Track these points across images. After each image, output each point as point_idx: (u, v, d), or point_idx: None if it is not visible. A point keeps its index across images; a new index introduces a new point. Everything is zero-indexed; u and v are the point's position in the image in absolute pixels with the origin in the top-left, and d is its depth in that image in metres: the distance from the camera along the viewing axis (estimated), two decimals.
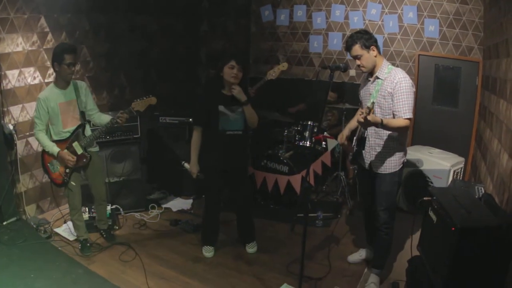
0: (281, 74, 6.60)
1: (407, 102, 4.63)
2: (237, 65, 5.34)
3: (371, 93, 4.89)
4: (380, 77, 4.82)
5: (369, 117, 4.24)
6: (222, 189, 6.00)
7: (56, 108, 5.49)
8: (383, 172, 5.03)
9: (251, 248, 6.17)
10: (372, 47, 4.75)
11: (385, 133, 4.90)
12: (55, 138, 5.63)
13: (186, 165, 5.83)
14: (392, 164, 5.00)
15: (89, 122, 5.90)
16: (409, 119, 4.62)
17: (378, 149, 5.01)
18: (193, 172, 5.75)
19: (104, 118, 5.79)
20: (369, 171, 5.17)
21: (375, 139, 5.02)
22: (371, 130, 5.01)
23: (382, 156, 5.00)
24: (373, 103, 4.35)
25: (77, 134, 5.64)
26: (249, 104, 5.49)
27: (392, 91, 4.67)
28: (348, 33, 8.85)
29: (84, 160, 5.70)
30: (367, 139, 5.09)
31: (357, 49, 4.73)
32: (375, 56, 4.80)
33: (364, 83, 5.20)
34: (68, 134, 5.63)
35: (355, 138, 5.30)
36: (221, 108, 5.49)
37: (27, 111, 6.70)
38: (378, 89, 4.82)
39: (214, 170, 5.74)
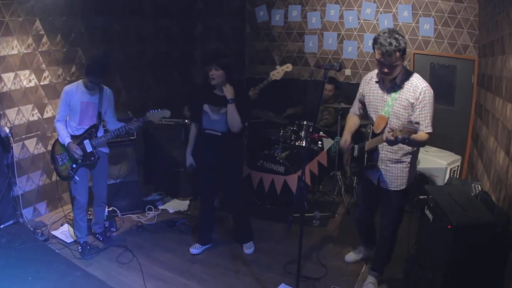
0: (285, 75, 6.58)
1: (430, 114, 4.37)
2: (211, 67, 5.44)
3: (385, 101, 4.61)
4: (400, 84, 4.48)
5: (400, 135, 3.94)
6: (213, 188, 6.04)
7: (77, 105, 5.67)
8: (394, 189, 4.78)
9: (248, 249, 6.18)
10: (404, 56, 4.39)
11: (400, 146, 4.57)
12: (70, 132, 5.75)
13: None
14: (404, 181, 4.75)
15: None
16: (430, 133, 4.37)
17: (390, 164, 4.74)
18: (187, 164, 6.02)
19: (120, 125, 5.91)
20: (377, 187, 4.91)
21: (386, 153, 4.72)
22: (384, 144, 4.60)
23: (393, 171, 4.73)
24: (417, 124, 3.87)
25: (90, 132, 5.75)
26: (233, 103, 5.47)
27: (415, 102, 4.37)
28: (343, 32, 8.88)
29: (92, 159, 5.78)
30: (379, 152, 4.76)
31: (398, 57, 4.29)
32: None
33: (371, 85, 4.80)
34: (81, 131, 5.75)
35: (356, 146, 5.06)
36: (205, 107, 5.63)
37: (23, 114, 6.69)
38: (396, 97, 4.50)
39: (200, 167, 5.93)
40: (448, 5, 7.77)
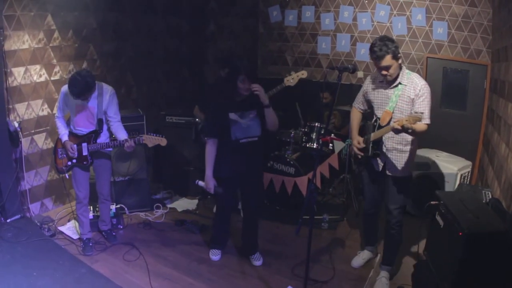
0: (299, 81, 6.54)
1: (428, 108, 4.71)
2: (248, 79, 5.13)
3: (389, 98, 4.94)
4: (402, 83, 4.84)
5: (406, 124, 4.30)
6: (236, 194, 5.93)
7: (72, 106, 5.62)
8: (400, 175, 5.06)
9: (257, 260, 5.92)
10: (399, 55, 4.76)
11: (403, 137, 4.94)
12: (72, 130, 5.75)
13: (201, 183, 5.66)
14: (408, 166, 5.04)
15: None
16: (428, 124, 4.68)
17: (395, 152, 5.03)
18: (209, 188, 5.46)
19: (120, 134, 5.77)
20: (381, 173, 5.19)
21: (392, 143, 5.03)
22: (388, 134, 4.97)
23: (399, 159, 5.03)
24: (422, 113, 4.46)
25: (89, 137, 5.68)
26: (270, 107, 5.27)
27: (415, 97, 4.74)
28: (356, 34, 8.84)
29: (85, 163, 5.75)
30: (384, 142, 5.07)
31: (388, 59, 4.66)
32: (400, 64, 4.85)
33: (375, 86, 5.12)
34: (80, 133, 5.70)
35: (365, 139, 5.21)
36: (232, 115, 5.26)
37: (32, 109, 6.68)
38: (398, 94, 4.85)
39: (229, 180, 5.49)
40: (462, 9, 7.73)
